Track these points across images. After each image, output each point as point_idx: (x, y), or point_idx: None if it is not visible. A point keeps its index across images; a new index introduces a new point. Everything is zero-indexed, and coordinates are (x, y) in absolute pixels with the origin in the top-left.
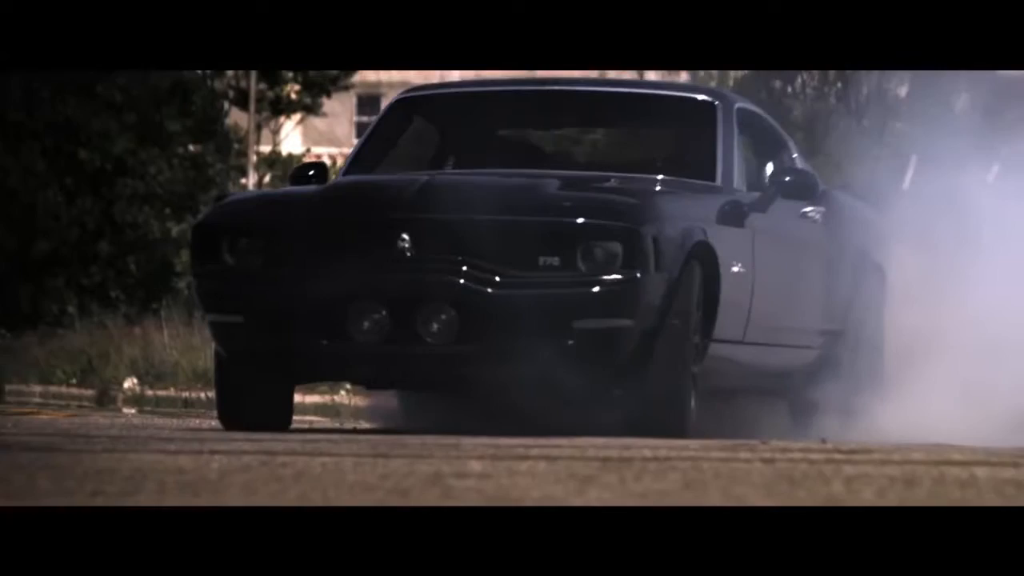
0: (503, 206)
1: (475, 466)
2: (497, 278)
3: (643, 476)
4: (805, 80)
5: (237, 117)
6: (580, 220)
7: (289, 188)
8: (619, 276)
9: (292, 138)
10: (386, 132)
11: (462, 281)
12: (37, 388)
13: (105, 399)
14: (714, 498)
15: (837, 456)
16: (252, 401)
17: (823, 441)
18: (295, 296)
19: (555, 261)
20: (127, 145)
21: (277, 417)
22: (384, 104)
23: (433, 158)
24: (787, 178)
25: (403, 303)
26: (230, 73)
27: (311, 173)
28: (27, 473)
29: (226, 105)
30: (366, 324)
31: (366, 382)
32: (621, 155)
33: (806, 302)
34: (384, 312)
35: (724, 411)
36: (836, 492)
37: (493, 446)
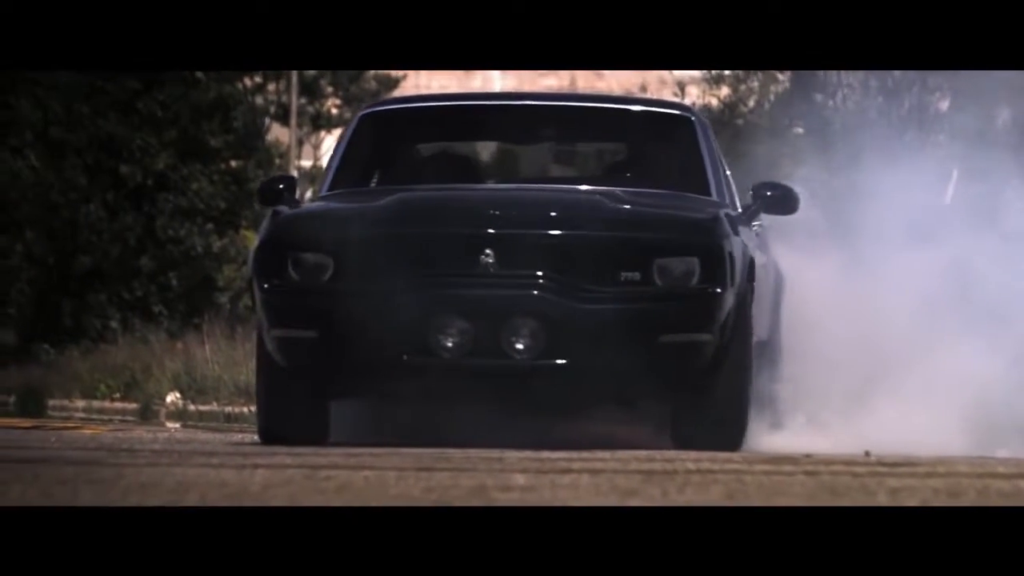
0: (581, 221)
1: (519, 479)
2: (581, 293)
3: (686, 489)
4: (846, 94)
5: (278, 132)
6: (661, 235)
7: (345, 203)
8: (701, 291)
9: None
10: (360, 147)
11: (547, 296)
12: (80, 403)
13: (148, 413)
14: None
15: (881, 469)
16: (293, 415)
17: (867, 454)
18: (375, 311)
19: (636, 276)
20: (168, 161)
21: (317, 431)
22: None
23: (416, 172)
24: (769, 192)
25: (488, 318)
26: (271, 88)
27: (280, 187)
28: (71, 487)
29: (267, 120)
30: (450, 339)
31: (448, 398)
32: (602, 169)
33: (771, 315)
34: (468, 327)
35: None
36: (880, 504)
37: (537, 459)
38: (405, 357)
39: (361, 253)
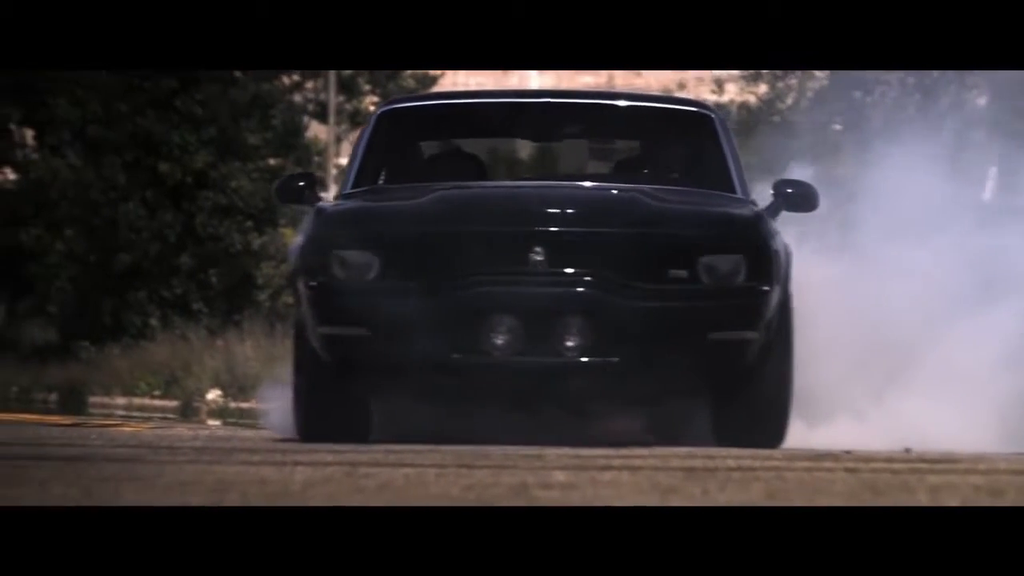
0: (629, 219)
1: (559, 477)
2: (630, 290)
3: (727, 487)
4: (884, 91)
5: (316, 130)
6: (709, 232)
7: (386, 200)
8: (749, 288)
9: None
10: (380, 144)
11: (598, 293)
12: (121, 400)
13: (188, 411)
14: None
15: (921, 466)
16: (336, 413)
17: (907, 451)
18: (424, 309)
19: (683, 274)
20: (207, 158)
21: (359, 429)
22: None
23: (442, 170)
24: (790, 190)
25: (539, 316)
26: (309, 86)
27: (300, 184)
28: (112, 484)
29: (305, 118)
30: (500, 337)
31: (497, 396)
32: (629, 167)
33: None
34: (518, 325)
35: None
36: (920, 501)
37: (576, 456)
38: (455, 355)
39: (408, 251)
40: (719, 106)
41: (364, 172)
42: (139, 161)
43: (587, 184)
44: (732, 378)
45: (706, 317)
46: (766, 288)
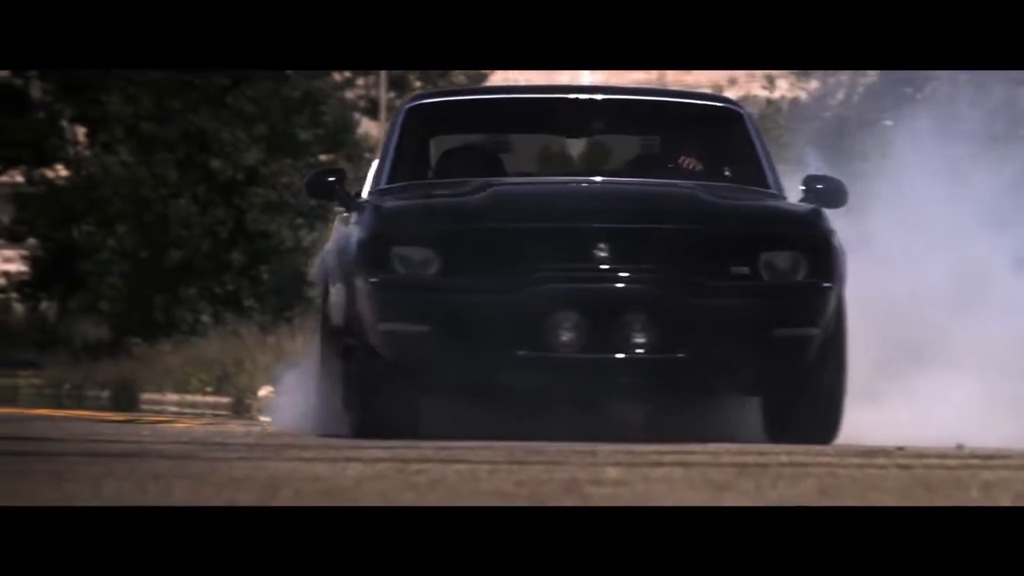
0: (691, 215)
1: (611, 473)
2: (694, 287)
3: (779, 482)
4: (935, 86)
5: (367, 126)
6: (771, 229)
7: (445, 196)
8: (812, 285)
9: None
10: (412, 139)
11: (662, 290)
12: (173, 397)
13: (240, 407)
14: (850, 504)
15: (974, 461)
16: (392, 410)
17: (959, 447)
18: (488, 306)
19: (745, 270)
20: (258, 155)
21: (412, 426)
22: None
23: (482, 164)
24: (820, 185)
25: (603, 313)
26: (360, 83)
27: (331, 179)
28: (164, 481)
29: (356, 115)
30: (565, 335)
31: (563, 393)
32: (656, 162)
33: None
34: (583, 322)
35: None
36: (973, 498)
37: (629, 452)
38: (520, 352)
39: (470, 247)
40: (770, 102)
41: (398, 168)
42: (191, 158)
43: (646, 181)
44: (793, 374)
45: (770, 314)
46: (827, 284)
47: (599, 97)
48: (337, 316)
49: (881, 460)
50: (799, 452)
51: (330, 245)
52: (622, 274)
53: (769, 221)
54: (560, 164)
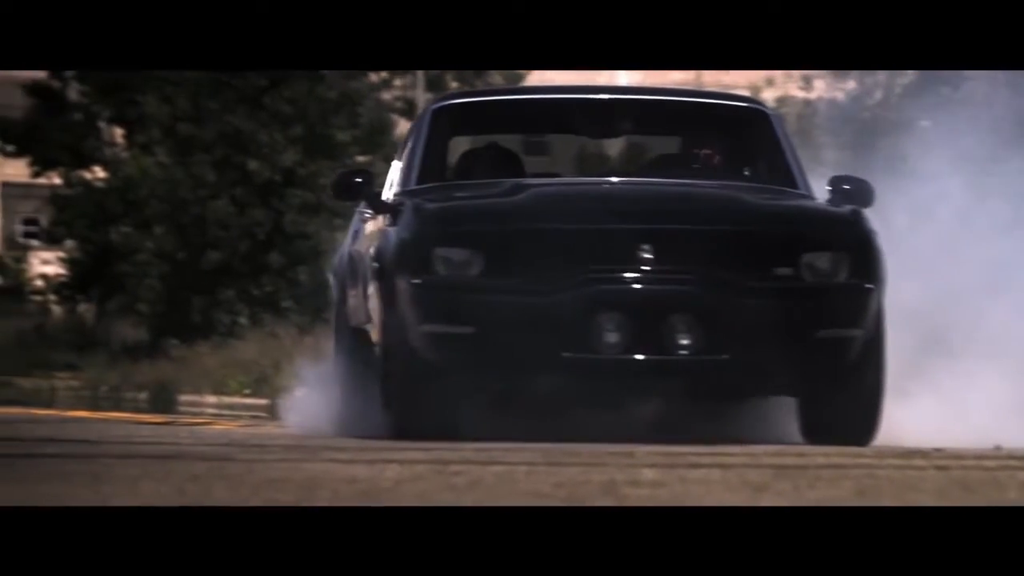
0: (735, 216)
1: (648, 474)
2: (739, 288)
3: (817, 484)
4: (972, 86)
5: (404, 127)
6: (813, 230)
7: (486, 197)
8: (856, 286)
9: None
10: (439, 140)
11: (708, 291)
12: (211, 398)
13: (278, 409)
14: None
15: (1012, 463)
16: (433, 411)
17: (997, 448)
18: (534, 307)
19: (788, 271)
20: (296, 156)
21: (451, 427)
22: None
23: (512, 165)
24: (847, 186)
25: (649, 314)
26: (397, 84)
27: (357, 180)
28: (202, 483)
29: (393, 116)
30: (611, 336)
31: (607, 394)
32: (680, 163)
33: None
34: (630, 323)
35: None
36: (1011, 499)
37: (666, 454)
38: (565, 354)
39: (514, 248)
40: (807, 103)
41: (427, 169)
42: (228, 159)
43: (679, 181)
44: (835, 375)
45: (813, 315)
46: (870, 286)
47: (625, 97)
48: (357, 316)
49: (919, 461)
50: (836, 454)
51: (348, 245)
52: (667, 275)
53: (811, 222)
54: (596, 164)
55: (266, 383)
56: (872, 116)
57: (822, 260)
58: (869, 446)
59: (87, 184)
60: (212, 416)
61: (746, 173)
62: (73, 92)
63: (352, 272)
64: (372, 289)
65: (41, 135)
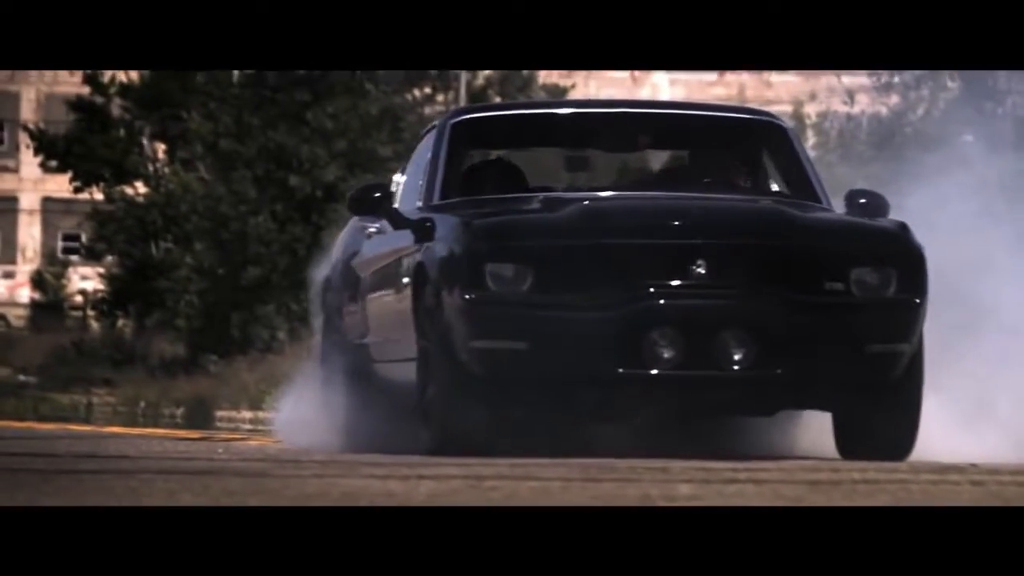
0: (786, 231)
1: (684, 489)
2: (791, 303)
3: (852, 498)
4: (1016, 101)
5: None
6: (863, 245)
7: (531, 212)
8: (905, 301)
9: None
10: (459, 155)
11: (761, 306)
12: (247, 414)
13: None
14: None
15: None
16: (472, 426)
17: None
18: (588, 323)
19: (839, 286)
20: (337, 172)
21: (488, 441)
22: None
23: (512, 182)
24: (863, 200)
25: (703, 329)
26: (439, 99)
27: (377, 195)
28: (238, 498)
29: None
30: (665, 352)
31: (661, 410)
32: (700, 177)
33: None
34: (683, 338)
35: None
36: None
37: (702, 469)
38: (621, 370)
39: (564, 263)
40: (849, 117)
41: (449, 183)
42: (269, 175)
43: (722, 196)
44: (882, 390)
45: (865, 330)
46: (918, 300)
47: (643, 111)
48: (354, 332)
49: (954, 476)
50: (872, 468)
51: (341, 259)
52: (720, 290)
53: (861, 237)
54: (638, 179)
55: None
56: (915, 130)
57: (871, 275)
58: (905, 461)
59: (128, 200)
60: (248, 432)
61: (773, 187)
62: (116, 108)
63: (351, 287)
64: (402, 305)
65: (83, 151)
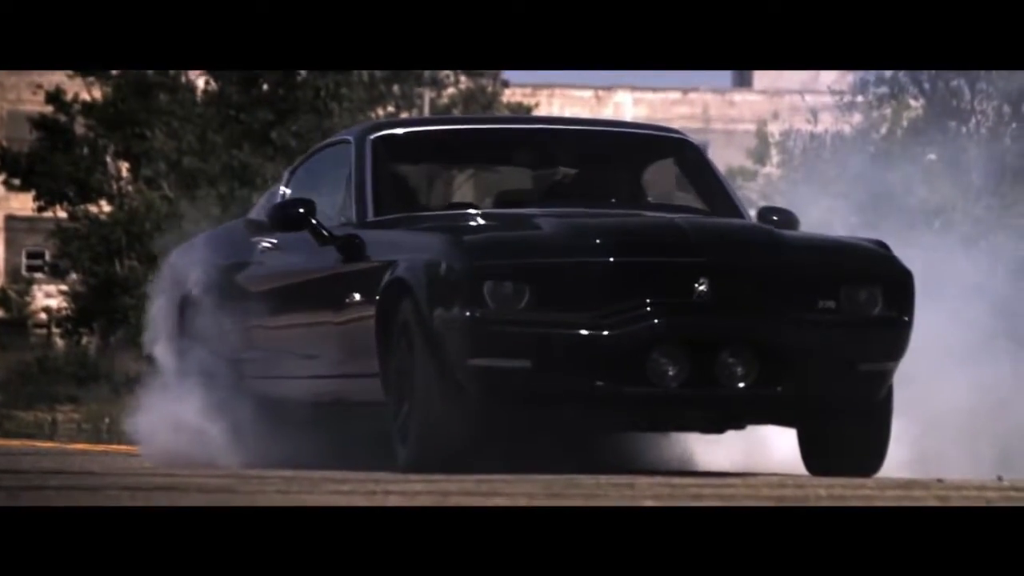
0: (782, 250)
1: (649, 505)
2: (789, 320)
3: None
4: (979, 120)
5: None
6: (853, 263)
7: (530, 229)
8: (896, 319)
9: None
10: (385, 171)
11: (762, 323)
12: None
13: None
14: None
15: (1013, 493)
16: (465, 444)
17: (999, 479)
18: (591, 341)
19: (831, 304)
20: None
21: (468, 459)
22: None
23: (440, 197)
24: (775, 217)
25: (705, 347)
26: (404, 116)
27: (301, 211)
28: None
29: None
30: (668, 369)
31: (664, 428)
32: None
33: None
34: (686, 356)
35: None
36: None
37: (667, 485)
38: (626, 389)
39: (562, 281)
40: (813, 136)
41: (383, 199)
42: (233, 193)
43: (716, 218)
44: (871, 408)
45: (858, 348)
46: (907, 319)
47: (562, 128)
48: (233, 349)
49: (919, 492)
50: (839, 484)
51: (220, 272)
52: (721, 308)
53: (847, 254)
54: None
55: None
56: (878, 150)
57: (859, 293)
58: (871, 477)
59: (92, 218)
60: None
61: (698, 205)
62: (79, 126)
63: (232, 301)
64: (336, 321)
65: (47, 169)
